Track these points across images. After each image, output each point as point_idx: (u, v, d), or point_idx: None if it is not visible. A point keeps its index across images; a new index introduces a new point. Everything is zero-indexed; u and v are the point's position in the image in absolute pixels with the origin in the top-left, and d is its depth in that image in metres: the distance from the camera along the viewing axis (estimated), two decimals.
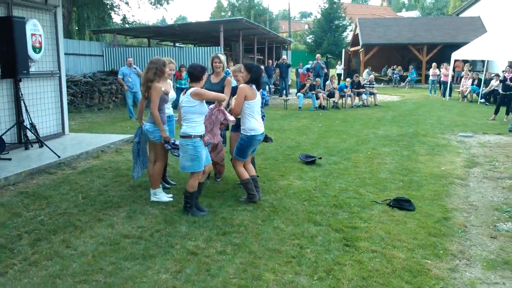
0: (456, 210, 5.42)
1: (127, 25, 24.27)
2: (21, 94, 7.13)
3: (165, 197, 5.39)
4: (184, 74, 14.94)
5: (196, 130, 4.78)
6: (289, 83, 22.03)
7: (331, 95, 16.65)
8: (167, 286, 3.36)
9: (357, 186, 6.26)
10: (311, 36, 49.83)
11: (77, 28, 21.50)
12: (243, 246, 4.14)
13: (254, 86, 5.30)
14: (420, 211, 5.29)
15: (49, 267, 3.63)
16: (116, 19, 25.49)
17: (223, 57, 6.06)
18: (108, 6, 22.12)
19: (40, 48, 7.82)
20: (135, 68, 12.70)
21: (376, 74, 27.26)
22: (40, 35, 7.83)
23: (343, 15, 47.99)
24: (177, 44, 24.75)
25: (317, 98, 16.30)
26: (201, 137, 4.81)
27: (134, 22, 25.11)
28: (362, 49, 27.94)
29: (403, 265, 3.89)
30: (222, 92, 5.69)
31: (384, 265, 3.88)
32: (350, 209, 5.30)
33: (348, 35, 45.07)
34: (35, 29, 7.67)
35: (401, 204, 5.44)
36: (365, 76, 22.52)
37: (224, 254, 3.97)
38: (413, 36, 27.52)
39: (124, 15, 24.28)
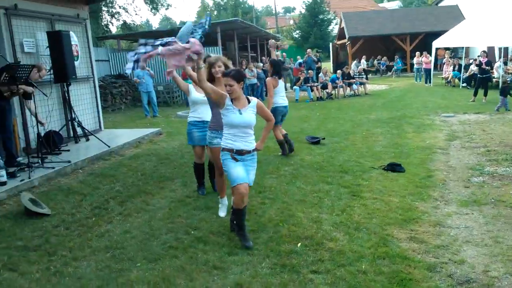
0: (438, 170, 6.78)
1: (118, 30, 25.43)
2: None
3: (221, 211, 5.03)
4: None
5: None
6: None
7: (324, 86, 18.00)
8: (227, 222, 4.71)
9: (357, 157, 7.61)
10: (297, 32, 51.21)
11: None
12: (277, 199, 5.50)
13: (276, 77, 7.31)
14: (409, 172, 6.64)
15: (140, 216, 4.99)
16: (115, 24, 26.53)
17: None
18: (109, 14, 23.37)
19: (77, 56, 9.09)
20: (148, 70, 13.92)
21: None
22: (76, 45, 9.09)
23: (327, 9, 49.40)
24: None
25: (312, 90, 17.65)
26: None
27: (135, 25, 26.24)
28: (349, 42, 29.32)
29: (397, 205, 5.25)
30: None
31: (383, 206, 5.24)
32: (354, 173, 6.65)
33: (334, 29, 46.43)
34: (73, 39, 8.91)
35: (394, 167, 6.81)
36: (353, 68, 23.93)
37: (264, 204, 5.32)
38: (395, 26, 28.92)
39: (124, 20, 25.46)
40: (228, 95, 4.07)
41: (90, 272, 3.75)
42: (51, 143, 7.53)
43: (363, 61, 26.47)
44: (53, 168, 6.45)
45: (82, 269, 3.81)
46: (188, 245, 4.19)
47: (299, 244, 4.21)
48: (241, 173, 4.10)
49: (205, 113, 5.26)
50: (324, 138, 9.10)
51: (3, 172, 5.59)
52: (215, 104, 4.29)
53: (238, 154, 4.14)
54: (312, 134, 9.71)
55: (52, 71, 7.98)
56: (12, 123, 6.83)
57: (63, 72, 7.90)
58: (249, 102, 4.18)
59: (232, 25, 19.10)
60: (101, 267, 3.83)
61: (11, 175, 5.94)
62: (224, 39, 22.53)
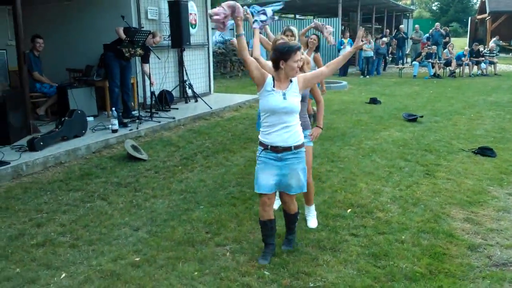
0: None
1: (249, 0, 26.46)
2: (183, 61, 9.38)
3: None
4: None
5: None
6: (407, 51, 22.39)
7: (448, 63, 16.95)
8: None
9: (450, 138, 7.37)
10: (436, 3, 47.81)
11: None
12: (346, 169, 5.74)
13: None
14: (500, 158, 6.31)
15: (218, 170, 5.67)
16: None
17: (295, 30, 5.07)
18: None
19: (195, 25, 10.00)
20: None
21: (504, 44, 25.97)
22: (195, 14, 9.99)
23: None
24: (297, 16, 26.32)
25: (433, 66, 16.76)
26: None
27: None
28: (489, 17, 26.70)
29: (468, 187, 5.15)
30: None
31: (453, 186, 5.18)
32: (438, 153, 6.52)
33: (478, 1, 42.41)
34: (192, 9, 9.79)
35: (484, 151, 6.51)
36: (492, 45, 21.90)
37: (331, 172, 5.61)
38: None
39: None
40: (269, 75, 3.34)
41: (162, 208, 4.51)
42: (163, 101, 8.59)
43: (494, 39, 23.87)
44: (159, 122, 7.43)
45: (157, 205, 4.58)
46: (248, 198, 4.72)
47: (349, 210, 4.48)
48: (266, 180, 3.34)
49: None
50: (422, 116, 8.87)
51: (116, 122, 6.67)
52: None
53: (274, 151, 3.30)
54: (414, 111, 9.46)
55: (170, 37, 8.99)
56: (131, 80, 7.95)
57: (178, 38, 8.84)
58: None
59: None
60: (172, 205, 4.57)
61: (123, 125, 7.04)
62: (347, 9, 22.23)
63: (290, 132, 3.30)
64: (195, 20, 9.99)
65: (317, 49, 6.70)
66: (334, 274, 3.30)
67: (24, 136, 6.23)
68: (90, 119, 7.66)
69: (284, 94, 3.28)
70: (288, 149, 3.30)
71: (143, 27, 8.41)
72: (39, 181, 5.06)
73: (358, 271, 3.37)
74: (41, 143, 5.71)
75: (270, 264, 3.42)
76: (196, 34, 10.14)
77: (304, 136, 3.57)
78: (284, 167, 3.33)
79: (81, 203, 4.60)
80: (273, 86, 3.31)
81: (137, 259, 3.47)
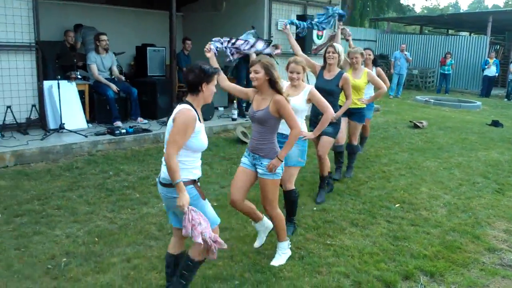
0: None
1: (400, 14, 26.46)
2: None
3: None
4: (448, 60, 16.71)
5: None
6: None
7: None
8: (359, 179, 6.01)
9: None
10: None
11: (359, 16, 25.03)
12: (418, 176, 6.37)
13: None
14: None
15: None
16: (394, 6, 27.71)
17: (340, 48, 4.94)
18: None
19: (321, 36, 11.16)
20: (405, 54, 15.21)
21: None
22: None
23: None
24: (450, 32, 25.55)
25: None
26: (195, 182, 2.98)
27: (410, 9, 26.86)
28: None
29: None
30: (335, 93, 4.89)
31: None
32: None
33: None
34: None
35: None
36: None
37: (403, 176, 6.32)
38: None
39: (402, 3, 26.43)
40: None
41: None
42: None
43: None
44: None
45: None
46: (315, 181, 5.76)
47: (397, 205, 5.23)
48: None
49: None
50: None
51: (236, 112, 8.26)
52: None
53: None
54: None
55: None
56: None
57: (301, 46, 10.11)
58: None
59: (508, 14, 17.87)
60: None
61: (243, 116, 8.58)
62: (504, 28, 21.09)
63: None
64: (322, 32, 11.14)
65: (375, 63, 6.59)
66: (351, 241, 4.24)
67: (168, 115, 8.14)
68: (221, 109, 9.41)
69: None
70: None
71: (272, 37, 9.87)
72: None
73: (373, 243, 4.24)
74: None
75: (305, 225, 4.49)
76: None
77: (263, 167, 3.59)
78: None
79: None
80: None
81: (215, 204, 4.85)
